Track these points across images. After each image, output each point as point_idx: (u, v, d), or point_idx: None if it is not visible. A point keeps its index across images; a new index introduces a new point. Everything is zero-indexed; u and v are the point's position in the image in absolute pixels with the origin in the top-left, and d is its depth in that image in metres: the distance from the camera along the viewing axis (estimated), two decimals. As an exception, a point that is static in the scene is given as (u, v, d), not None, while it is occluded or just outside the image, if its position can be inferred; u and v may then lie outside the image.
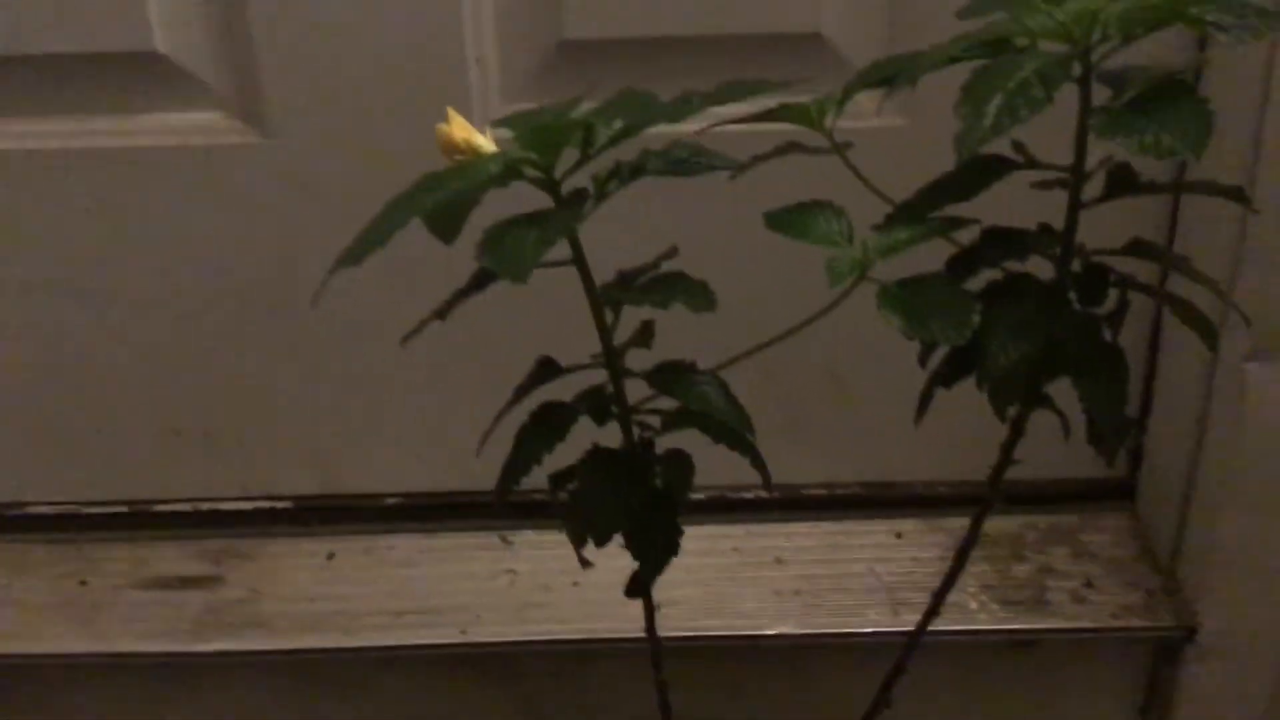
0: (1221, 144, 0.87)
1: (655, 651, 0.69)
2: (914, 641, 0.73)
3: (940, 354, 0.62)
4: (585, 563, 0.63)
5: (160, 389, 1.06)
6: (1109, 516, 1.09)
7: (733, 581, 1.06)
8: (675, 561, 1.09)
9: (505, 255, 0.48)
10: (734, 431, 0.59)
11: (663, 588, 1.05)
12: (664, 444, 0.65)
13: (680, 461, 0.63)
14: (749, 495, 1.11)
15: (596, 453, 0.60)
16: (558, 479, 0.62)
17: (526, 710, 1.06)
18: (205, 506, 1.11)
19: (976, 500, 1.11)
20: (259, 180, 0.98)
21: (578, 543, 0.61)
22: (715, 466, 1.11)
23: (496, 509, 0.61)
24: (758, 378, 1.06)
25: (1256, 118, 0.83)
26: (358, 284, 1.03)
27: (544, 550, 1.10)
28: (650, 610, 0.68)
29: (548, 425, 0.59)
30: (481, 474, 1.10)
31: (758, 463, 0.62)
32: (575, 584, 1.06)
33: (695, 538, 1.09)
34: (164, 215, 0.99)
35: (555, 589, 1.06)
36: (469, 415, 1.08)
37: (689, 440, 1.08)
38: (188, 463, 1.09)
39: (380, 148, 0.95)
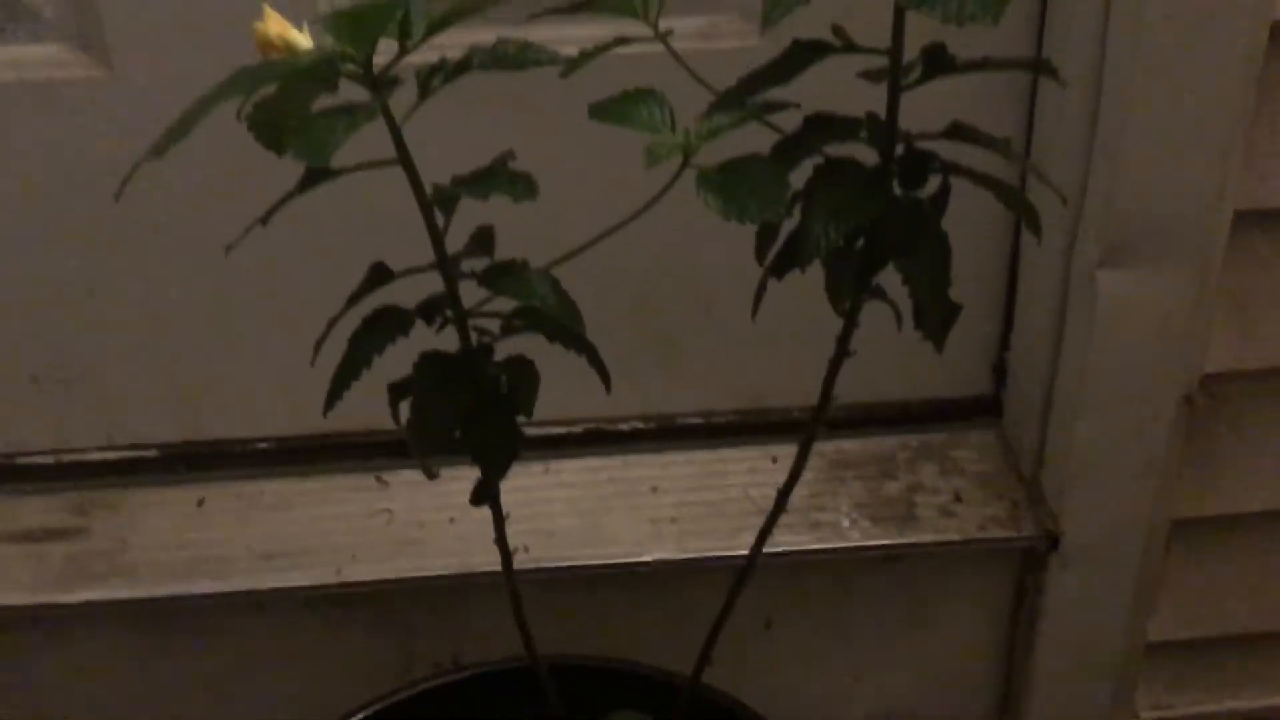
0: (1068, 34, 0.88)
1: (505, 560, 0.69)
2: (753, 558, 0.74)
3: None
4: (430, 473, 0.62)
5: (12, 336, 1.03)
6: (976, 433, 1.11)
7: (609, 511, 1.07)
8: (551, 493, 1.10)
9: (309, 139, 0.47)
10: (568, 329, 0.59)
11: (538, 519, 1.06)
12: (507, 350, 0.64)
13: (522, 366, 0.62)
14: (625, 427, 1.11)
15: (430, 356, 0.60)
16: (396, 389, 0.61)
17: (403, 649, 1.05)
18: (68, 458, 1.08)
19: (851, 423, 1.13)
20: (102, 115, 0.95)
21: (420, 452, 0.60)
22: (590, 400, 1.11)
23: (326, 413, 0.59)
24: (630, 309, 1.07)
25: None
26: (217, 224, 1.01)
27: (420, 489, 1.08)
28: (500, 520, 0.67)
29: (379, 328, 0.58)
30: (355, 414, 1.10)
31: (594, 360, 0.61)
32: (451, 520, 1.06)
33: (571, 470, 1.11)
34: (4, 152, 0.95)
35: (431, 526, 1.05)
36: (338, 355, 1.07)
37: (555, 369, 1.08)
38: (47, 413, 1.06)
39: (228, 79, 0.93)
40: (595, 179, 0.91)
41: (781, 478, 1.09)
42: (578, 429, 1.10)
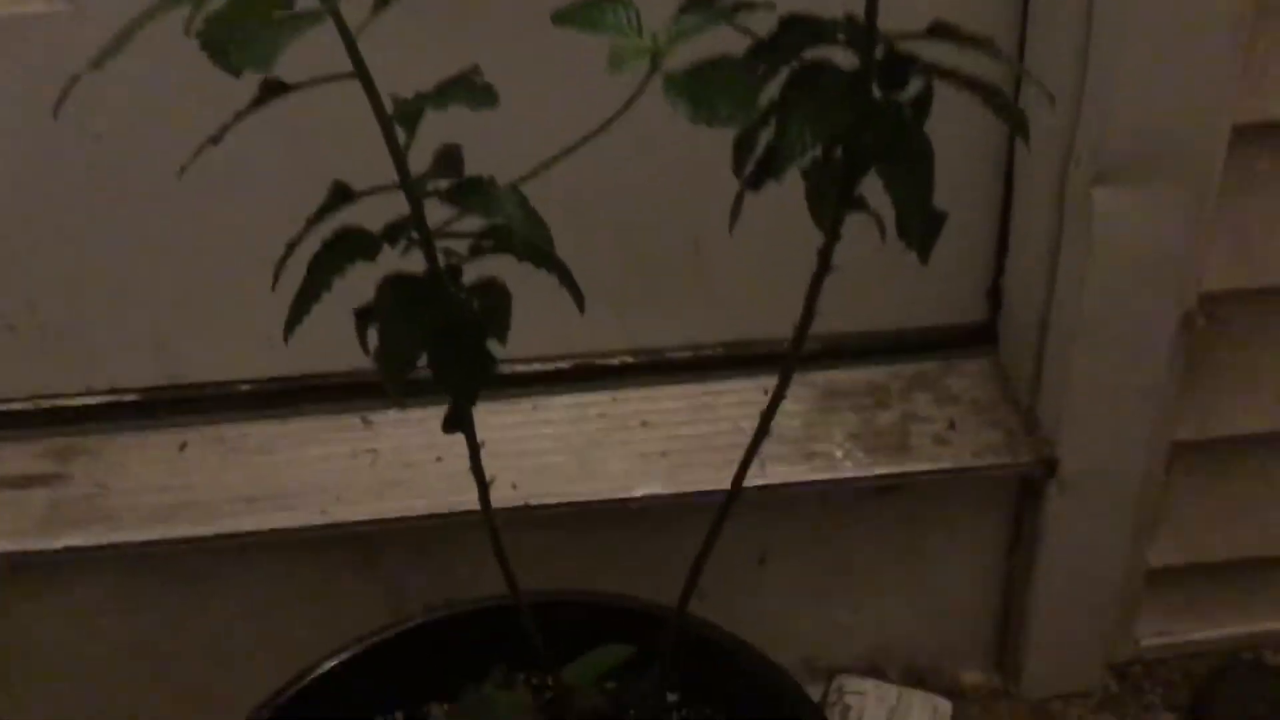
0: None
1: (481, 490, 0.67)
2: (739, 480, 0.72)
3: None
4: (400, 402, 0.60)
5: (-13, 282, 1.01)
6: (971, 362, 1.09)
7: (598, 447, 1.05)
8: (539, 430, 1.08)
9: (254, 47, 0.45)
10: (538, 248, 0.57)
11: (526, 455, 1.04)
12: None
13: (493, 289, 0.60)
14: (613, 362, 1.09)
15: (394, 278, 0.57)
16: (362, 315, 0.59)
17: (392, 590, 1.04)
18: (47, 404, 1.06)
19: (843, 353, 1.11)
20: (68, 51, 0.92)
21: (388, 378, 0.58)
22: (578, 336, 1.09)
23: (286, 339, 0.56)
24: (616, 242, 1.04)
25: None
26: (193, 165, 0.98)
27: (406, 429, 1.07)
28: (474, 448, 0.65)
29: (340, 249, 0.56)
30: (337, 355, 1.08)
31: (566, 279, 0.59)
32: (439, 460, 1.04)
33: (560, 406, 1.09)
34: (-33, 90, 0.93)
35: (418, 466, 1.04)
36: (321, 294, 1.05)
37: (541, 305, 1.06)
38: (25, 359, 1.04)
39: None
40: (565, 99, 0.88)
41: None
42: (565, 365, 1.08)
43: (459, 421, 0.62)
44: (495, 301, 0.61)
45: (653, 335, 1.08)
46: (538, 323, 1.07)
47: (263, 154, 0.95)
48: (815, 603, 1.11)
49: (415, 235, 0.58)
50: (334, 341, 1.05)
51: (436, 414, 1.09)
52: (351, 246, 0.56)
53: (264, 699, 0.85)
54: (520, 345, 1.07)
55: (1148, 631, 1.12)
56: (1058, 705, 1.10)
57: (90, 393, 1.06)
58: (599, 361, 1.09)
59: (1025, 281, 1.01)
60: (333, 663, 0.87)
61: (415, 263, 0.61)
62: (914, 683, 1.11)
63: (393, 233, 0.57)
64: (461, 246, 0.61)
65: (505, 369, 1.08)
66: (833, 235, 0.60)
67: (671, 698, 0.90)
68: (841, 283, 1.06)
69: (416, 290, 0.57)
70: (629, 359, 1.09)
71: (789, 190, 1.00)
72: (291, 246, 0.57)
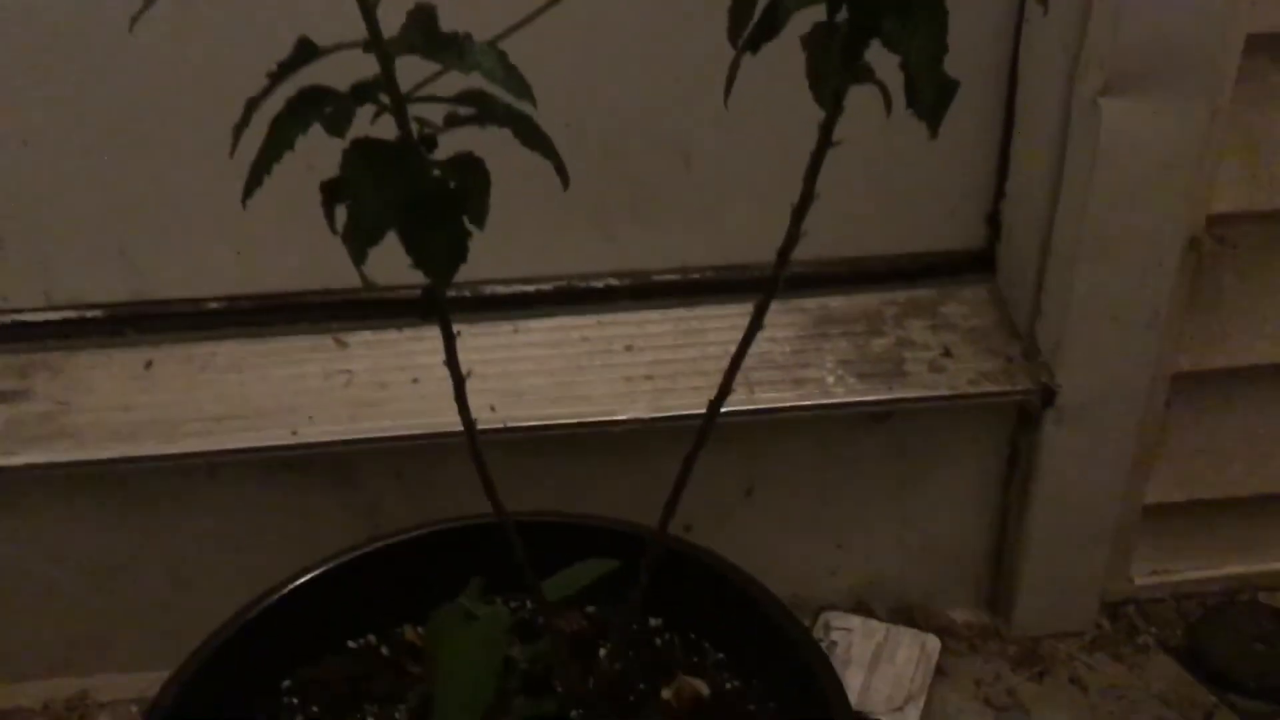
0: None
1: (458, 384, 0.63)
2: (718, 403, 0.68)
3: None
4: (368, 283, 0.56)
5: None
6: (968, 289, 1.05)
7: (581, 370, 1.01)
8: (520, 353, 1.04)
9: None
10: (520, 116, 0.53)
11: (507, 377, 1.01)
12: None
13: (470, 165, 0.56)
14: (598, 285, 1.05)
15: (363, 143, 0.53)
16: (330, 188, 0.55)
17: (367, 515, 1.00)
18: (6, 319, 1.01)
19: (837, 279, 1.08)
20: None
21: (355, 252, 0.54)
22: (562, 256, 1.06)
23: (244, 203, 0.52)
24: (602, 158, 1.00)
25: None
26: (158, 63, 0.94)
27: (381, 349, 1.03)
28: (449, 336, 0.61)
29: (304, 107, 0.52)
30: (310, 273, 1.04)
31: (550, 153, 0.55)
32: (415, 381, 1.00)
33: (543, 329, 1.05)
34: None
35: (393, 386, 1.00)
36: (292, 208, 1.00)
37: (523, 224, 1.02)
38: (-18, 271, 1.00)
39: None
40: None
41: (765, 334, 1.04)
42: (548, 287, 1.05)
43: (433, 305, 0.58)
44: (472, 180, 0.56)
45: (640, 257, 1.04)
46: (519, 242, 1.04)
47: (233, 47, 0.90)
48: (802, 537, 1.07)
49: (385, 99, 0.54)
50: (305, 259, 1.02)
51: (412, 336, 1.06)
52: (316, 105, 0.52)
53: (228, 618, 0.81)
54: (501, 265, 1.04)
55: (1142, 570, 1.09)
56: (1049, 644, 1.08)
57: (51, 307, 1.01)
58: (583, 284, 1.05)
59: (1027, 203, 0.97)
60: (300, 581, 0.83)
61: (387, 132, 0.57)
62: (902, 620, 1.08)
63: (361, 93, 0.53)
64: (437, 118, 0.57)
65: (485, 290, 1.05)
66: (835, 108, 0.56)
67: (655, 622, 0.87)
68: (836, 207, 1.03)
69: (387, 156, 0.53)
70: (614, 281, 1.05)
71: (782, 104, 0.96)
72: (252, 105, 0.53)
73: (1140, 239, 0.90)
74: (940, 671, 1.05)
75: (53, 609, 1.03)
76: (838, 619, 1.08)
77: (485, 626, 0.68)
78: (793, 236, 0.63)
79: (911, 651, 1.05)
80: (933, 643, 1.06)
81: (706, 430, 0.69)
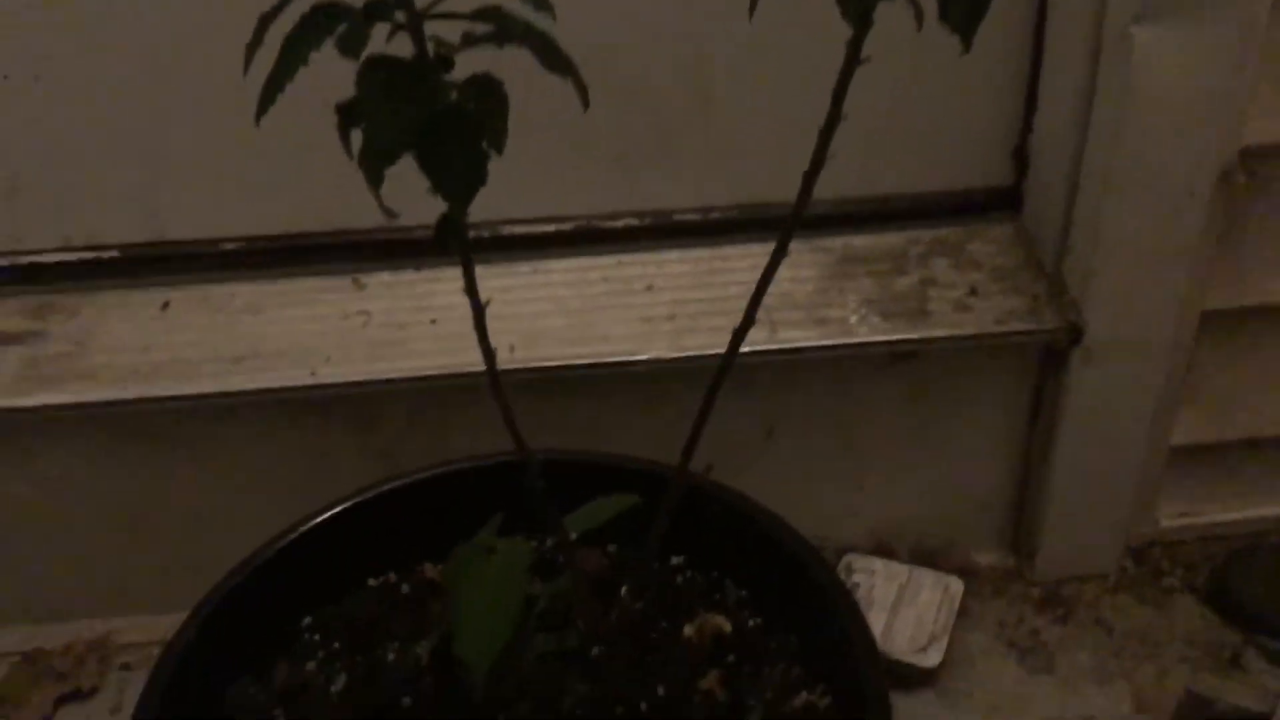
0: None
1: (477, 313, 0.62)
2: (737, 340, 0.67)
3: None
4: (388, 211, 0.55)
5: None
6: (994, 227, 1.04)
7: (600, 311, 1.00)
8: (539, 293, 1.03)
9: None
10: (539, 34, 0.51)
11: (525, 318, 1.00)
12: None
13: (489, 87, 0.54)
14: (618, 224, 1.04)
15: (377, 61, 0.52)
16: (345, 110, 0.54)
17: (384, 457, 1.00)
18: (23, 260, 1.01)
19: (860, 218, 1.06)
20: None
21: (370, 175, 0.53)
22: (581, 196, 1.04)
23: (257, 121, 0.51)
24: (623, 96, 0.99)
25: None
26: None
27: (399, 290, 1.02)
28: (468, 262, 0.60)
29: (317, 23, 0.50)
30: (328, 214, 1.03)
31: (570, 72, 0.54)
32: (433, 322, 0.99)
33: (562, 270, 1.04)
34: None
35: (411, 327, 0.99)
36: (310, 148, 0.99)
37: (541, 163, 1.00)
38: (-2, 212, 0.99)
39: None
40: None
41: (784, 274, 1.02)
42: (567, 227, 1.03)
43: (451, 230, 0.57)
44: (491, 102, 0.55)
45: (659, 196, 1.03)
46: (538, 181, 1.02)
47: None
48: (824, 478, 1.06)
49: (400, 16, 0.53)
50: (323, 200, 1.01)
51: (430, 277, 1.05)
52: (329, 21, 0.50)
53: (248, 555, 0.81)
54: (519, 205, 1.03)
55: (1168, 513, 1.08)
56: (1073, 587, 1.07)
57: (68, 248, 1.01)
58: (602, 224, 1.03)
59: (1056, 136, 0.95)
60: (320, 519, 0.83)
61: (403, 52, 0.56)
62: (924, 563, 1.08)
63: (375, 9, 0.52)
64: (453, 38, 0.56)
65: (504, 230, 1.04)
66: (863, 25, 0.54)
67: (676, 561, 0.86)
68: (860, 144, 1.02)
69: (402, 76, 0.52)
70: (634, 221, 1.04)
71: (806, 37, 0.94)
72: (266, 21, 0.52)
73: (1172, 172, 0.88)
74: (963, 613, 1.04)
75: (73, 552, 1.03)
76: (860, 561, 1.07)
77: (505, 561, 0.68)
78: (819, 159, 0.61)
79: (934, 593, 1.04)
80: (956, 585, 1.05)
81: (729, 360, 0.68)
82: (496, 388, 0.66)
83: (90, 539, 1.02)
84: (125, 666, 1.04)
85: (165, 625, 1.05)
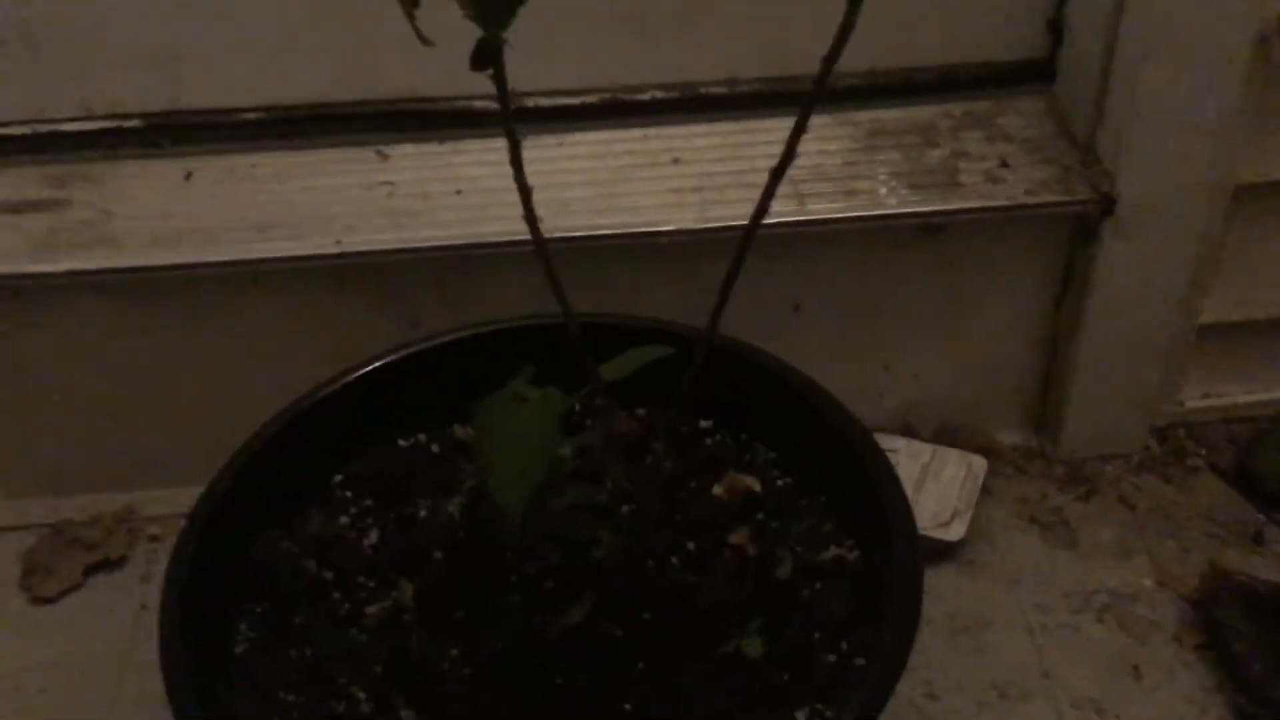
0: None
1: (513, 146, 0.61)
2: (759, 217, 0.66)
3: None
4: (423, 39, 0.54)
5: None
6: (1026, 100, 1.02)
7: (628, 182, 0.99)
8: (565, 165, 1.02)
9: None
10: None
11: (551, 189, 0.99)
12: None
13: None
14: (644, 97, 1.02)
15: None
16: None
17: (408, 326, 0.99)
18: (44, 129, 1.00)
19: (890, 90, 1.05)
20: None
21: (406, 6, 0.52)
22: (607, 67, 1.03)
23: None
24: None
25: None
26: None
27: (423, 162, 1.01)
28: (503, 91, 0.59)
29: None
30: (351, 83, 1.02)
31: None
32: (458, 193, 0.99)
33: (588, 142, 1.03)
34: None
35: (436, 197, 0.98)
36: (332, 15, 0.98)
37: (568, 32, 0.99)
38: (17, 79, 0.98)
39: None
40: None
41: (813, 148, 1.02)
42: (593, 99, 1.02)
43: (488, 55, 0.56)
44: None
45: (685, 68, 1.02)
46: (562, 53, 1.01)
47: None
48: (848, 355, 1.06)
49: None
50: (346, 69, 1.00)
51: (454, 149, 1.04)
52: None
53: (276, 412, 0.81)
54: (545, 77, 1.02)
55: (1193, 393, 1.08)
56: (1096, 466, 1.07)
57: (89, 117, 1.00)
58: (628, 96, 1.02)
59: (1092, 3, 0.93)
60: (350, 377, 0.82)
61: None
62: (947, 443, 1.08)
63: None
64: None
65: (528, 103, 1.02)
66: None
67: (705, 424, 0.86)
68: (891, 15, 1.00)
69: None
70: (660, 94, 1.02)
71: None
72: None
73: (1209, 35, 0.87)
74: (986, 491, 1.04)
75: (98, 423, 1.03)
76: (884, 440, 1.06)
77: (539, 407, 0.67)
78: (852, 15, 0.60)
79: (958, 471, 1.04)
80: (979, 463, 1.05)
81: (767, 203, 0.67)
82: (543, 250, 0.66)
83: (114, 410, 1.03)
84: (153, 538, 1.05)
85: (191, 498, 1.05)
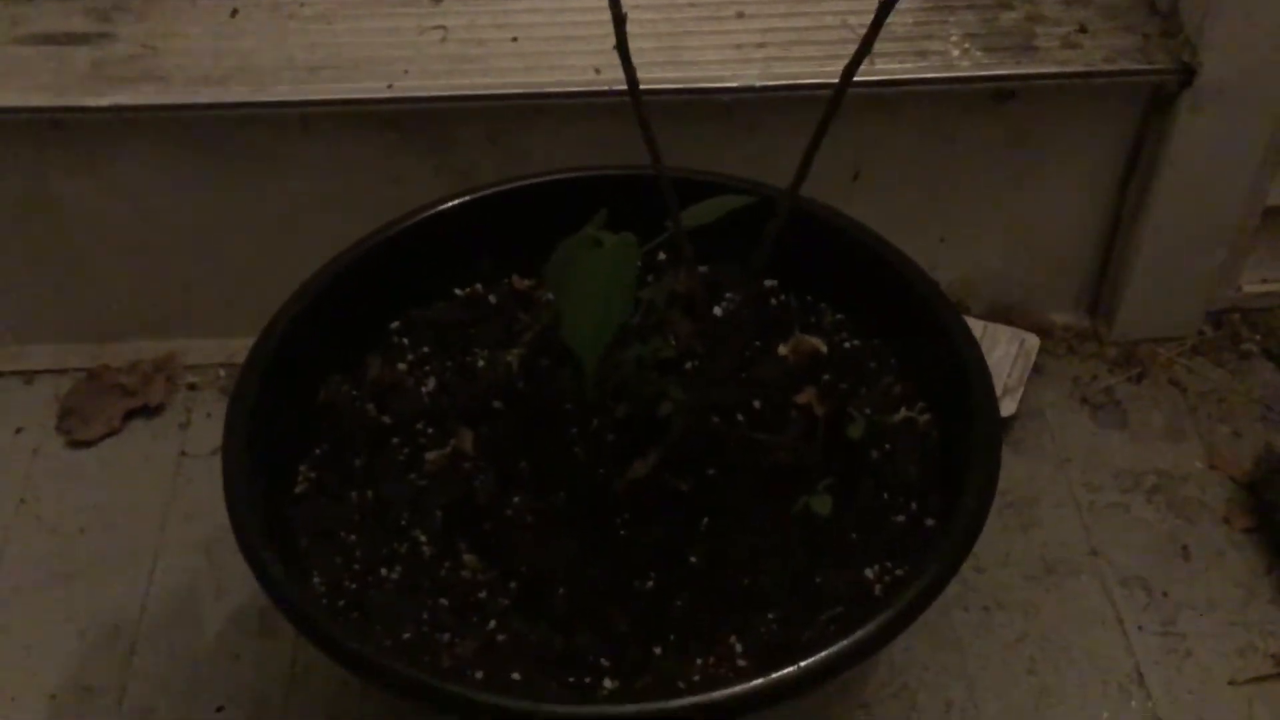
0: None
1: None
2: (847, 79, 0.63)
3: None
4: None
5: None
6: (1106, -36, 0.98)
7: (690, 35, 0.96)
8: (628, 14, 0.98)
9: None
10: None
11: (609, 39, 0.95)
12: None
13: None
14: (709, -53, 0.98)
15: None
16: None
17: (460, 176, 0.97)
18: (84, -42, 0.96)
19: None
20: None
21: None
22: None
23: None
24: None
25: None
26: None
27: (477, 6, 0.98)
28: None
29: None
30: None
31: None
32: (514, 40, 0.95)
33: (647, -8, 0.99)
34: None
35: (491, 44, 0.95)
36: None
37: None
38: (57, -97, 0.94)
39: None
40: None
41: (883, 4, 0.98)
42: (654, -53, 0.98)
43: None
44: None
45: (753, -82, 0.97)
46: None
47: None
48: (907, 228, 1.02)
49: None
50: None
51: (510, -5, 1.00)
52: None
53: (338, 252, 0.79)
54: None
55: (1252, 278, 1.06)
56: (1148, 348, 1.05)
57: (131, -53, 0.96)
58: (693, -55, 0.98)
59: None
60: (407, 223, 0.80)
61: None
62: (1000, 319, 1.06)
63: None
64: None
65: (590, -52, 0.98)
66: None
67: (770, 284, 0.84)
68: None
69: None
70: (725, -55, 0.98)
71: None
72: None
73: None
74: (1037, 370, 1.03)
75: (140, 268, 1.01)
76: (935, 314, 1.05)
77: (615, 251, 0.65)
78: None
79: (1010, 348, 1.03)
80: (1031, 340, 1.04)
81: (840, 96, 0.64)
82: (637, 102, 0.63)
83: (156, 255, 1.00)
84: (192, 386, 1.03)
85: (231, 349, 1.04)
